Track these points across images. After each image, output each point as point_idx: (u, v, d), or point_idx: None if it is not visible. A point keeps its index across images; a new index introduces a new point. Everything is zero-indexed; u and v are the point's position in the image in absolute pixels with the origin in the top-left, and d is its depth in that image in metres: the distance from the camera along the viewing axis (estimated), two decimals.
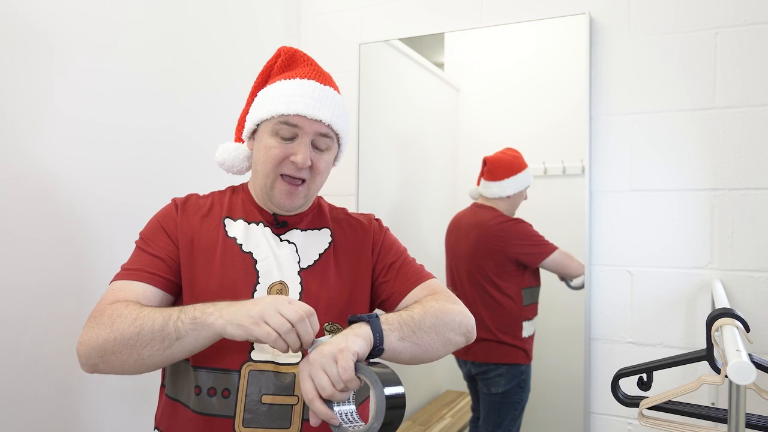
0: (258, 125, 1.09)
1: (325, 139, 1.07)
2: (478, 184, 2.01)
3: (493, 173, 1.95)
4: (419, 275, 1.15)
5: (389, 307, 1.14)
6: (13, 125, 1.28)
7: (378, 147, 2.18)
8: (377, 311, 1.04)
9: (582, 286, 1.81)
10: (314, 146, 1.07)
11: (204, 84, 1.82)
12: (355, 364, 0.84)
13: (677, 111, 1.72)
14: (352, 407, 0.88)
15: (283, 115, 1.03)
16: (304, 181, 1.07)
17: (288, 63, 1.12)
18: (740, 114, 1.65)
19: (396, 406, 0.83)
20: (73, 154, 1.41)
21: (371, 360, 0.91)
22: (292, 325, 0.87)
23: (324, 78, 1.11)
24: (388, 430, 0.82)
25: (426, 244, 2.15)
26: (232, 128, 1.85)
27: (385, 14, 2.15)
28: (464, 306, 1.10)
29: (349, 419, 0.86)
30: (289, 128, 1.04)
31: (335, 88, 1.12)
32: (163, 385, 1.11)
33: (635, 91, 1.77)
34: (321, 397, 0.84)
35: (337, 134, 1.10)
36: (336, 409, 0.86)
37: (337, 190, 2.17)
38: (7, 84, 1.27)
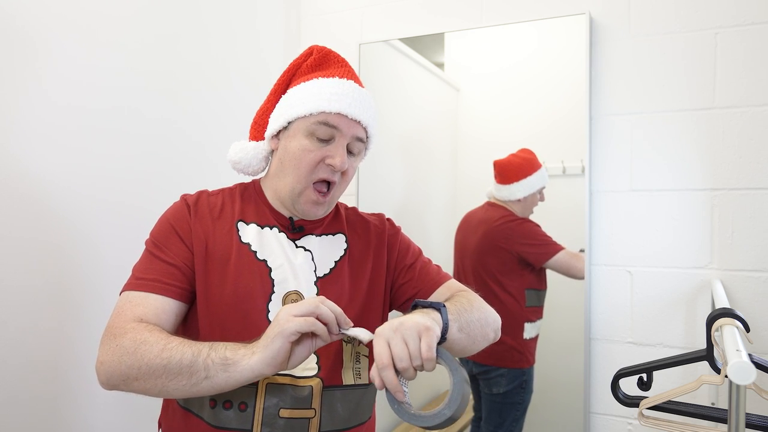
0: (289, 123, 1.04)
1: (359, 144, 1.05)
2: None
3: (502, 177, 1.95)
4: (440, 275, 1.15)
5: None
6: (2, 125, 1.27)
7: (378, 147, 2.17)
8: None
9: None
10: (348, 150, 1.04)
11: (203, 83, 1.82)
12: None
13: (677, 111, 1.72)
14: (408, 390, 0.85)
15: (323, 112, 1.00)
16: (334, 184, 1.04)
17: (320, 62, 1.09)
18: (740, 114, 1.65)
19: (466, 399, 0.81)
20: (64, 154, 1.40)
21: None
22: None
23: (359, 80, 1.09)
24: (449, 423, 0.80)
25: (426, 244, 2.13)
26: (231, 126, 1.86)
27: (385, 14, 2.15)
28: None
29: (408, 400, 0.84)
30: (327, 129, 1.01)
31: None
32: None
33: (635, 91, 1.77)
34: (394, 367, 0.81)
35: (369, 137, 1.08)
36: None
37: None
38: None
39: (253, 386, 0.97)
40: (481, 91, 2.07)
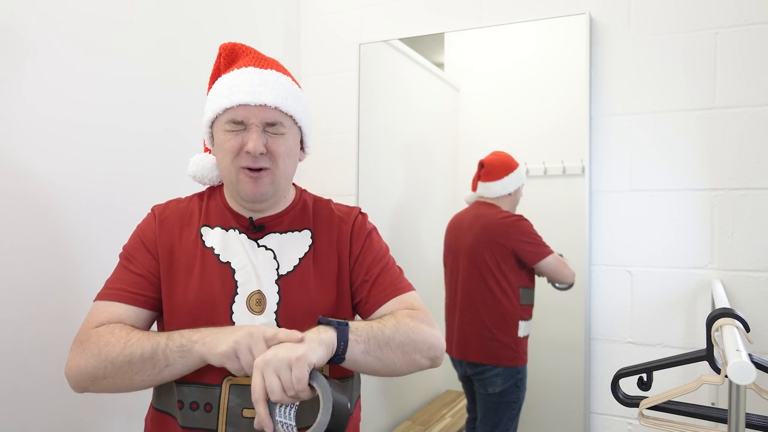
0: (211, 128, 1.06)
1: (276, 126, 1.02)
2: (474, 188, 2.01)
3: (492, 173, 1.96)
4: (397, 286, 1.10)
5: (361, 313, 1.11)
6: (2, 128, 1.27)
7: (378, 147, 2.18)
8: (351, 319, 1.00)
9: (567, 287, 1.84)
10: (269, 132, 1.02)
11: (202, 86, 1.80)
12: (311, 372, 0.83)
13: (677, 111, 1.72)
14: (293, 423, 0.86)
15: (227, 109, 1.01)
16: (266, 169, 1.03)
17: (229, 59, 1.09)
18: (740, 114, 1.65)
19: (337, 425, 0.81)
20: (64, 156, 1.40)
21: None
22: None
23: (264, 63, 1.06)
24: None
25: (425, 244, 2.15)
26: None
27: (385, 14, 2.15)
28: (438, 329, 1.06)
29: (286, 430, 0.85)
30: (236, 124, 1.01)
31: (281, 70, 1.07)
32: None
33: (635, 91, 1.77)
34: (267, 399, 0.83)
35: (291, 116, 1.04)
36: (278, 418, 0.84)
37: (337, 190, 2.18)
38: None
39: (218, 387, 0.99)
40: (481, 91, 2.07)
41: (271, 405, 0.84)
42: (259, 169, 1.02)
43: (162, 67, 1.66)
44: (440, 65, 2.13)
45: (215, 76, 1.11)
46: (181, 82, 1.73)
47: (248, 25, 2.02)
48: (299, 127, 1.08)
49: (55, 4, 1.37)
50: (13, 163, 1.29)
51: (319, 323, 0.92)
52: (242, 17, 1.99)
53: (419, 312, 1.05)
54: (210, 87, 1.11)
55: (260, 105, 1.00)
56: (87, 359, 0.95)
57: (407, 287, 1.11)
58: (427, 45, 2.11)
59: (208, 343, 0.90)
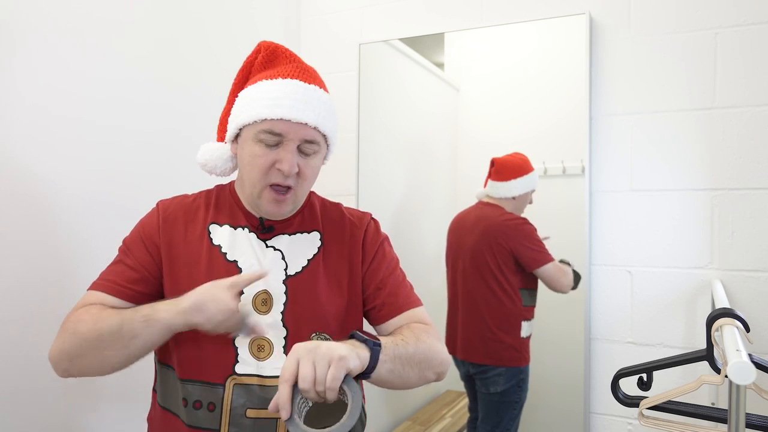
0: (241, 129, 1.03)
1: (311, 146, 1.02)
2: (485, 185, 2.01)
3: (501, 174, 1.95)
4: (408, 299, 1.11)
5: (371, 320, 1.13)
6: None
7: (378, 147, 2.18)
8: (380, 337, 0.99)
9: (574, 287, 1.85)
10: (301, 151, 1.01)
11: (202, 85, 1.81)
12: (345, 376, 0.83)
13: (677, 111, 1.72)
14: (302, 420, 0.85)
15: (266, 120, 0.98)
16: (291, 187, 1.02)
17: (269, 60, 1.06)
18: (740, 114, 1.65)
19: None
20: (64, 156, 1.40)
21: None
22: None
23: (308, 76, 1.04)
24: None
25: (425, 244, 2.15)
26: None
27: (385, 14, 2.15)
28: (444, 345, 1.09)
29: (299, 421, 0.84)
30: (272, 136, 0.99)
31: (321, 85, 1.06)
32: (154, 390, 1.11)
33: (635, 91, 1.77)
34: (294, 384, 0.82)
35: (324, 135, 1.04)
36: (295, 406, 0.83)
37: (337, 190, 2.17)
38: None
39: (221, 387, 0.99)
40: (481, 91, 2.07)
41: (295, 391, 0.83)
42: (287, 188, 1.02)
43: (162, 66, 1.66)
44: (440, 65, 2.13)
45: (247, 70, 1.08)
46: (181, 82, 1.73)
47: (248, 24, 2.02)
48: (328, 145, 1.08)
49: (55, 3, 1.37)
50: (13, 162, 1.29)
51: (353, 337, 0.91)
52: (242, 17, 1.99)
53: (431, 328, 1.08)
54: (239, 80, 1.08)
55: (301, 123, 0.99)
56: (64, 341, 0.98)
57: (417, 302, 1.13)
58: (427, 45, 2.11)
59: (169, 304, 0.92)
